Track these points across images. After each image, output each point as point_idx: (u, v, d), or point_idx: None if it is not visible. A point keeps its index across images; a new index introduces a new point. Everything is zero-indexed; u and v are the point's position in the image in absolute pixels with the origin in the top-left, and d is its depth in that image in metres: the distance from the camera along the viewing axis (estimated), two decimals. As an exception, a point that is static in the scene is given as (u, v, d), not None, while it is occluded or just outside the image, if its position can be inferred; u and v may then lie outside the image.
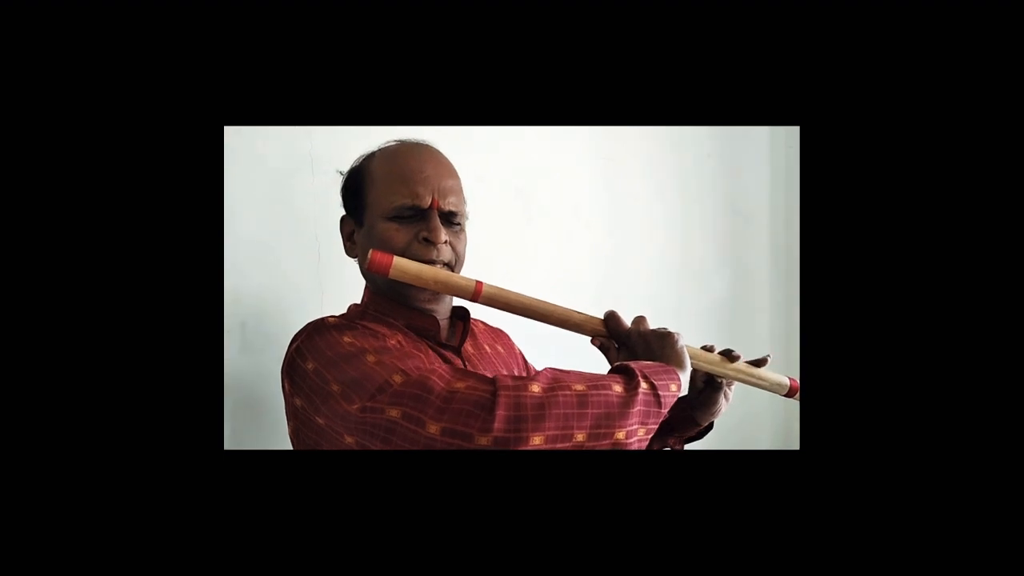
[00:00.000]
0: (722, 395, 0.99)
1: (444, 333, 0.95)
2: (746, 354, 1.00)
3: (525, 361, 1.09)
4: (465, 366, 0.93)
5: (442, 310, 0.95)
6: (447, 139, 0.99)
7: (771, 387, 0.99)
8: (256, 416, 1.14)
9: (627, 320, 0.90)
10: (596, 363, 0.89)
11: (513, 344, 1.10)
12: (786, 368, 1.03)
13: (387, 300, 0.92)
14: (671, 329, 0.87)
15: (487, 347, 1.01)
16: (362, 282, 0.97)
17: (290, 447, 0.89)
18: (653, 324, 0.91)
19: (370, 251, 0.82)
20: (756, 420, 2.11)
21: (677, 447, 1.06)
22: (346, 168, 0.97)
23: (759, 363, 0.98)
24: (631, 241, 1.80)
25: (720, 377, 0.97)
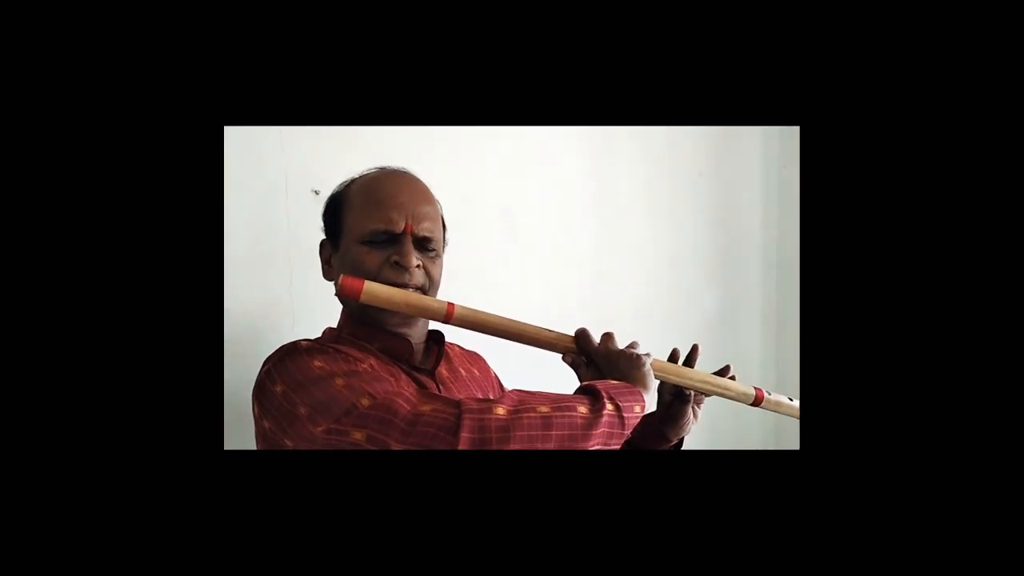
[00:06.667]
0: (690, 409, 0.99)
1: (418, 356, 0.95)
2: (735, 373, 1.00)
3: (500, 384, 1.08)
4: (439, 389, 0.92)
5: (416, 333, 0.94)
6: (433, 160, 0.98)
7: (736, 396, 0.99)
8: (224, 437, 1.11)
9: (598, 338, 0.90)
10: (571, 383, 0.88)
11: (489, 367, 1.09)
12: (779, 386, 1.01)
13: (361, 324, 0.92)
14: (640, 351, 0.88)
15: (462, 370, 1.00)
16: (334, 304, 0.96)
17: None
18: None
19: (340, 276, 0.82)
20: (750, 420, 2.07)
21: None
22: (320, 187, 0.95)
23: (722, 372, 0.99)
24: (620, 260, 1.78)
25: (687, 389, 0.97)
